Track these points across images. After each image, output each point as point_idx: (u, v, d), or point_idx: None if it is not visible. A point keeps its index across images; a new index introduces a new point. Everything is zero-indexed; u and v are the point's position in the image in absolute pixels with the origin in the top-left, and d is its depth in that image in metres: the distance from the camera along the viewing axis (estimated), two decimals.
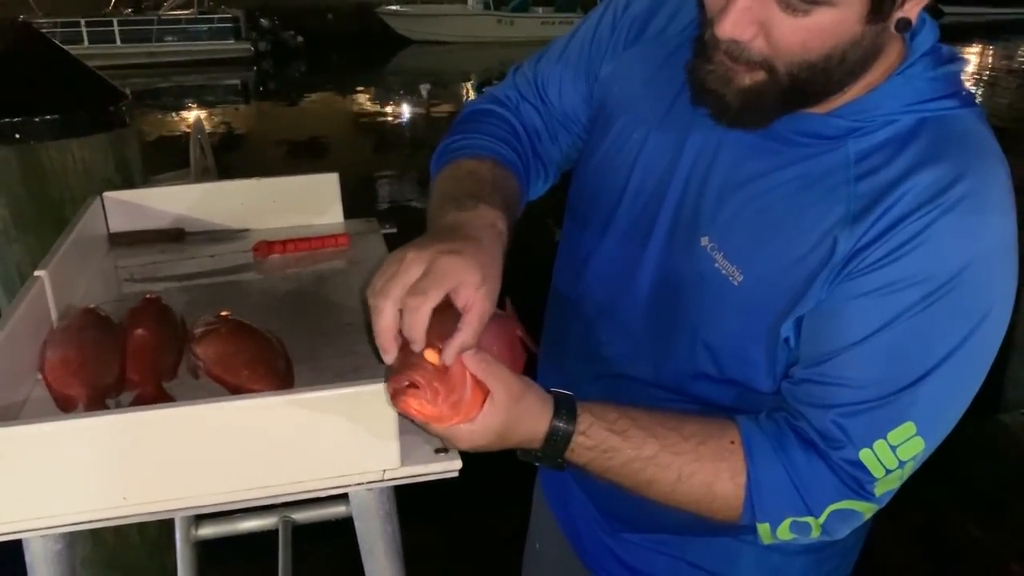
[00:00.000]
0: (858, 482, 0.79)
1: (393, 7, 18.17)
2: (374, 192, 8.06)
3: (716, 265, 0.85)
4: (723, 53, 0.77)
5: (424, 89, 14.81)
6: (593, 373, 1.00)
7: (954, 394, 0.78)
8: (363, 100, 14.22)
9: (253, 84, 15.47)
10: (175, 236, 1.38)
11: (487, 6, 17.50)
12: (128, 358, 0.94)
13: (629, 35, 1.00)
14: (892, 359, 0.76)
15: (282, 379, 0.92)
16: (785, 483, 0.81)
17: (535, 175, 1.06)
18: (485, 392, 0.75)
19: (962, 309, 0.75)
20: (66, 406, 0.88)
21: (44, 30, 1.94)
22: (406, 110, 13.67)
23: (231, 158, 9.29)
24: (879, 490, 0.80)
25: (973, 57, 16.67)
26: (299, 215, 1.43)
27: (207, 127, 11.32)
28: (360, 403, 0.79)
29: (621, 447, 0.81)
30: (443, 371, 0.72)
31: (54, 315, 1.04)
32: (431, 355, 0.72)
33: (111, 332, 0.98)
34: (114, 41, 15.13)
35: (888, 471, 0.79)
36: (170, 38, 15.72)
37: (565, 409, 0.80)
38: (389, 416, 0.80)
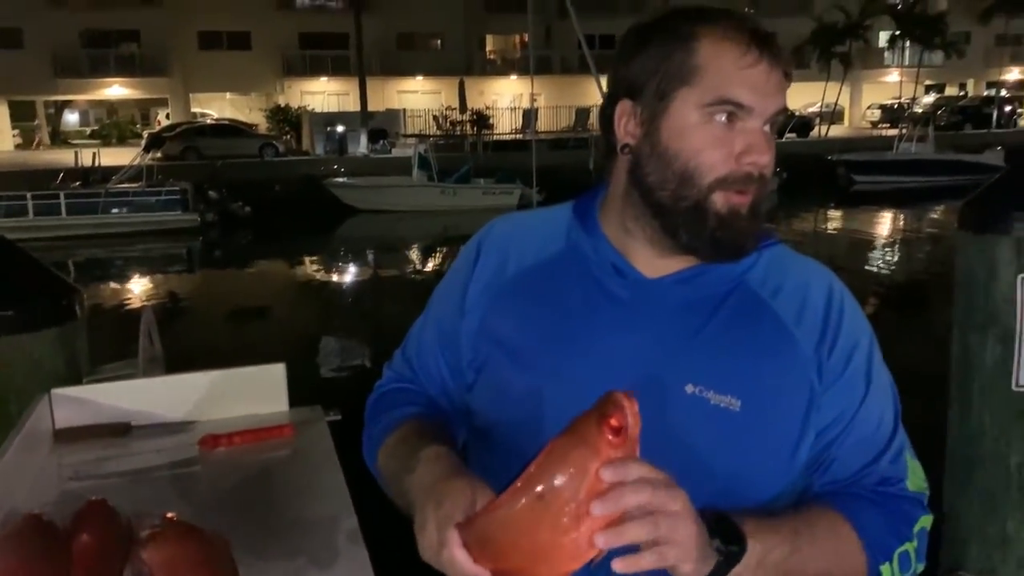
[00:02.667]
0: (919, 501, 0.97)
1: (340, 179, 18.81)
2: (318, 362, 8.05)
3: (712, 402, 0.91)
4: (752, 186, 0.91)
5: (370, 256, 15.12)
6: None
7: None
8: (310, 267, 14.42)
9: (199, 253, 15.58)
10: (121, 431, 1.40)
11: (431, 178, 18.20)
12: (73, 565, 0.95)
13: (487, 291, 1.03)
14: (884, 395, 0.97)
15: None
16: (880, 519, 0.92)
17: (457, 424, 1.08)
18: None
19: (878, 350, 0.99)
20: None
21: None
22: (352, 276, 13.89)
23: (176, 327, 9.24)
24: (925, 502, 0.98)
25: (888, 221, 17.84)
26: (245, 405, 1.47)
27: (152, 296, 11.33)
28: None
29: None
30: None
31: None
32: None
33: (55, 539, 0.99)
34: (60, 213, 15.23)
35: (926, 489, 0.98)
36: (117, 210, 15.89)
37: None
38: None
